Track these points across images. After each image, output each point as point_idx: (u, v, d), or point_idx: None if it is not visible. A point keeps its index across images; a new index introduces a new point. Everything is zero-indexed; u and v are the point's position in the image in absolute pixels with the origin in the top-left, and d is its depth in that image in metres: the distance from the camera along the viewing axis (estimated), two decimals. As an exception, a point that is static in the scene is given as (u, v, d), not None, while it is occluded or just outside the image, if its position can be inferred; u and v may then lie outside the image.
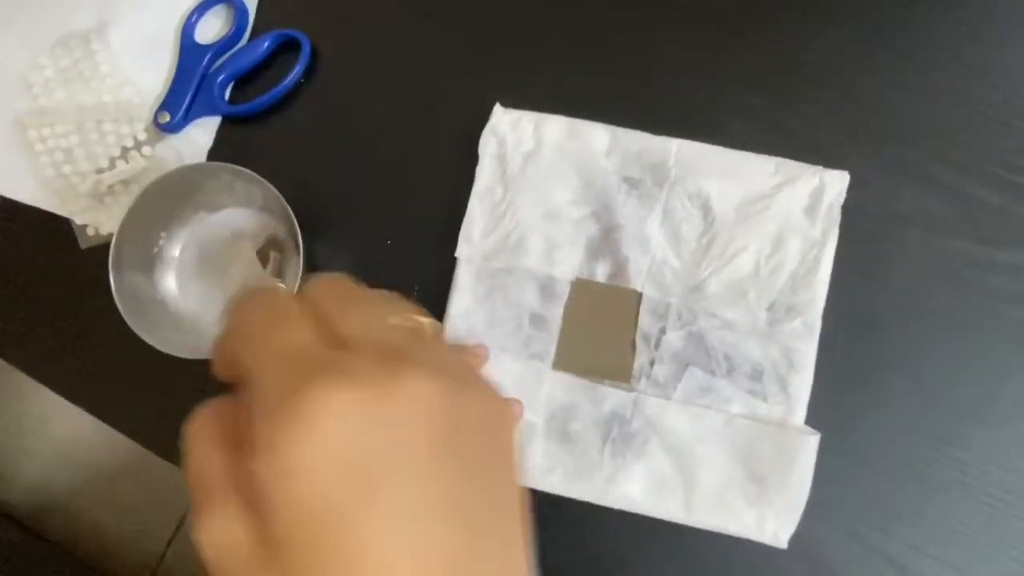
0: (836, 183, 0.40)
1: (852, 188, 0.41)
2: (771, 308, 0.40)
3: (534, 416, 0.40)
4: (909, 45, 0.43)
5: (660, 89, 0.43)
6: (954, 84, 0.42)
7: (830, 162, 0.41)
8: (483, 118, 0.43)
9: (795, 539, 0.38)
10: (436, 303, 0.42)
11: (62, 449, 1.07)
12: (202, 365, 0.41)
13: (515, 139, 0.42)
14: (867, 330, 0.40)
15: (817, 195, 0.41)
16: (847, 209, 0.41)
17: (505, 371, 0.41)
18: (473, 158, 0.43)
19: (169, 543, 1.03)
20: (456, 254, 0.42)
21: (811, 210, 0.41)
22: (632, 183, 0.42)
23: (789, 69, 0.43)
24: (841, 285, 0.40)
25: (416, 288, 0.43)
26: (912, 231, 0.41)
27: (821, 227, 0.40)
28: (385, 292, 0.24)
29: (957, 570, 0.38)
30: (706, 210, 0.41)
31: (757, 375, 0.40)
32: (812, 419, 0.39)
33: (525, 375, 0.41)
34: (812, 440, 0.38)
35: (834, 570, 0.39)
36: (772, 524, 0.38)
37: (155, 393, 0.44)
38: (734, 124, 0.42)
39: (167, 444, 0.44)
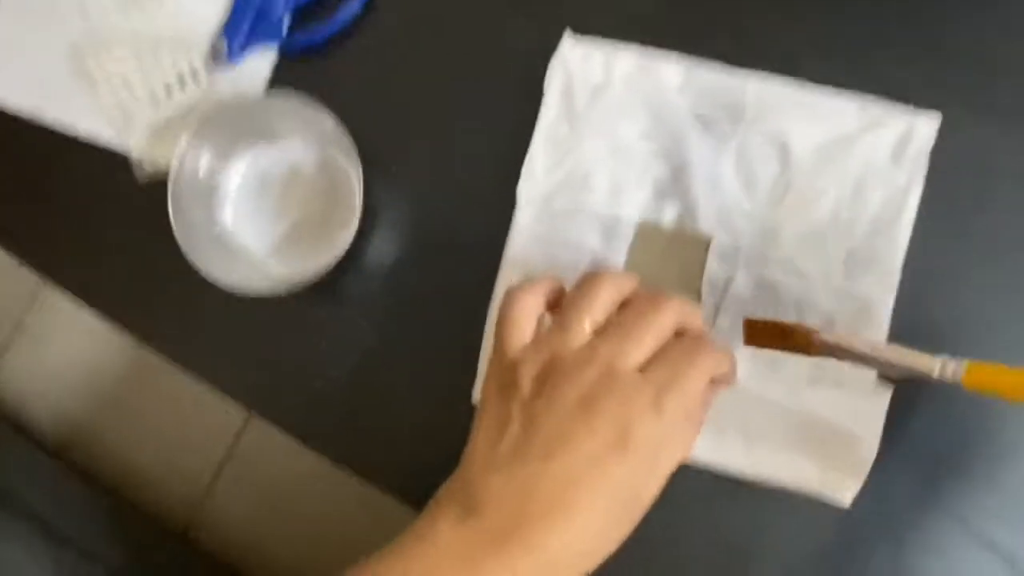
0: (925, 127, 0.38)
1: (941, 134, 0.38)
2: (848, 257, 0.38)
3: None
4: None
5: (738, 21, 0.41)
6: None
7: (919, 104, 0.39)
8: (549, 49, 0.41)
9: (860, 498, 0.37)
10: (496, 244, 0.41)
11: (109, 389, 1.10)
12: (258, 300, 0.41)
13: (583, 73, 0.41)
14: (949, 285, 0.39)
15: (904, 139, 0.38)
16: (933, 156, 0.38)
17: None
18: (538, 92, 0.41)
19: (212, 483, 1.06)
20: (517, 192, 0.41)
21: (896, 155, 0.38)
22: (705, 121, 0.40)
23: (878, 3, 0.40)
24: (923, 237, 0.38)
25: (476, 230, 0.42)
26: (1004, 182, 0.39)
27: (906, 174, 0.38)
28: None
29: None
30: (783, 152, 0.39)
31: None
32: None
33: None
34: (884, 395, 0.37)
35: (901, 532, 0.38)
36: (836, 481, 0.37)
37: (212, 326, 0.45)
38: (815, 60, 0.40)
39: (224, 376, 0.44)
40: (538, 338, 0.32)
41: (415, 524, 0.31)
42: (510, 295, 0.33)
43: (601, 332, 0.31)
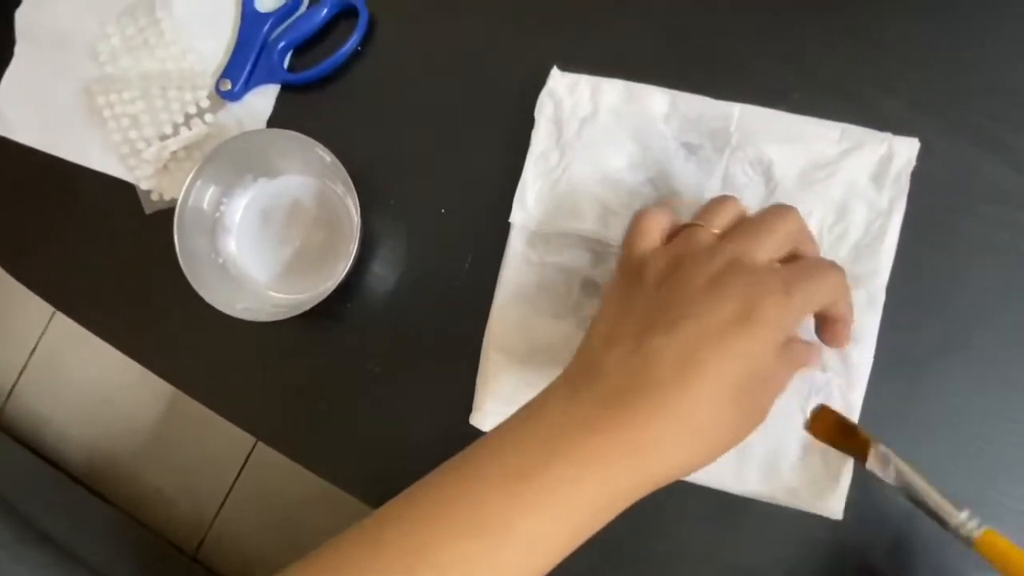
0: (905, 150, 0.39)
1: (920, 157, 0.39)
2: None
3: None
4: (983, 5, 0.41)
5: (720, 54, 0.42)
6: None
7: (897, 129, 0.40)
8: (539, 84, 0.42)
9: (851, 511, 0.38)
10: (490, 269, 0.42)
11: (121, 411, 1.11)
12: (260, 327, 0.43)
13: (572, 103, 0.42)
14: (933, 305, 0.39)
15: (885, 162, 0.39)
16: (914, 179, 0.39)
17: (555, 335, 0.41)
18: (528, 125, 0.43)
19: (223, 502, 1.07)
20: (510, 219, 0.42)
21: (878, 178, 0.39)
22: (691, 149, 0.41)
23: (854, 32, 0.42)
24: (906, 257, 0.39)
25: (470, 256, 0.43)
26: (983, 203, 0.39)
27: (888, 196, 0.39)
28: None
29: None
30: (768, 177, 0.40)
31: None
32: (873, 392, 0.38)
33: (575, 340, 0.41)
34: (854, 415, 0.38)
35: (894, 545, 0.38)
36: (827, 496, 0.38)
37: (215, 353, 0.46)
38: (796, 90, 0.41)
39: (227, 402, 0.45)
40: (666, 243, 0.33)
41: (528, 402, 0.30)
42: (641, 214, 0.34)
43: (727, 236, 0.32)
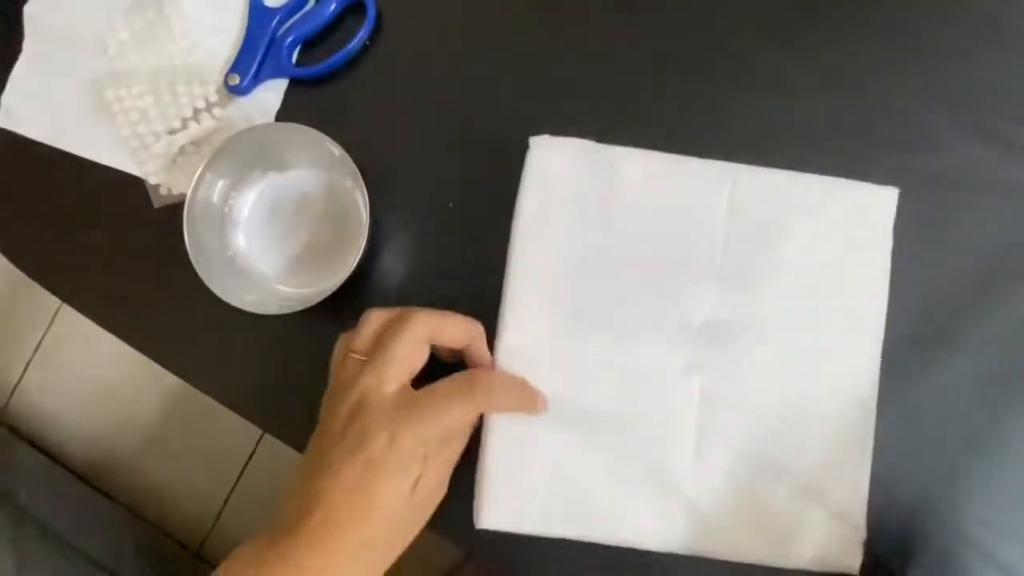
0: (885, 200, 0.39)
1: (925, 152, 0.40)
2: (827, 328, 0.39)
3: None
4: (995, 4, 0.41)
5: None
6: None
7: (903, 125, 0.40)
8: (548, 78, 0.42)
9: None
10: (499, 263, 0.42)
11: (126, 407, 1.11)
12: (269, 320, 0.43)
13: (581, 180, 0.41)
14: (938, 302, 0.40)
15: (866, 213, 0.39)
16: (923, 177, 0.40)
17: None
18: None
19: (227, 499, 1.07)
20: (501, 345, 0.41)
21: (862, 228, 0.39)
22: (688, 215, 0.41)
23: (865, 31, 0.42)
24: (913, 252, 0.39)
25: (478, 250, 0.43)
26: (986, 195, 0.40)
27: (873, 244, 0.39)
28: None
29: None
30: (764, 238, 0.40)
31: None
32: (880, 391, 0.39)
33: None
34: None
35: (903, 544, 0.38)
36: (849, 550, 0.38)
37: (224, 346, 0.46)
38: (807, 91, 0.41)
39: (235, 395, 0.45)
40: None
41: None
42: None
43: (368, 359, 0.37)
